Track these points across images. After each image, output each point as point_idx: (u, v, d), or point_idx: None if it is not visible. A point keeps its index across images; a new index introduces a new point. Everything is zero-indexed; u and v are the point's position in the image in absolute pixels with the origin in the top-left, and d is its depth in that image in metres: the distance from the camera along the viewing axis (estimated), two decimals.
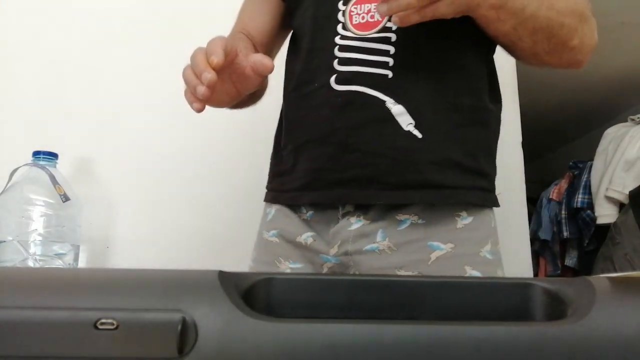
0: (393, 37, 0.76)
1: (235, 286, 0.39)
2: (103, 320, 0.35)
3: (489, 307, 0.43)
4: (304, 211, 0.82)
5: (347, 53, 0.77)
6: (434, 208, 0.76)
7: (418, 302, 0.44)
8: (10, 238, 1.02)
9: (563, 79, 2.98)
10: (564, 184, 3.00)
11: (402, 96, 0.75)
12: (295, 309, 0.43)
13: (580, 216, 2.78)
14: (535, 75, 2.77)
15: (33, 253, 1.02)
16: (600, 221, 2.58)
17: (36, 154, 1.11)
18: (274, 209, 0.87)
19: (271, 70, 0.70)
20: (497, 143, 0.85)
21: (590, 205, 2.68)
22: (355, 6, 0.78)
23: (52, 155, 1.12)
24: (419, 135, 0.74)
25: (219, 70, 0.65)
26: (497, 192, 0.86)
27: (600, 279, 0.42)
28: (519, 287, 0.44)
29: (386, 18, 0.76)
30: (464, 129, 0.77)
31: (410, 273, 0.73)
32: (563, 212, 2.90)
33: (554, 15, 0.72)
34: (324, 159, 0.78)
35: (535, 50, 0.75)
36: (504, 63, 1.67)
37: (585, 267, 2.72)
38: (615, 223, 2.51)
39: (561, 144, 3.99)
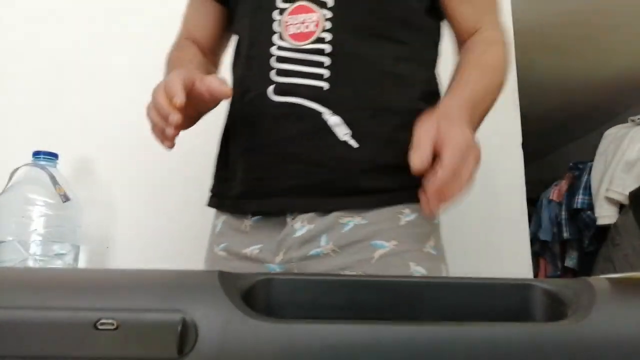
0: (327, 48, 0.78)
1: (235, 287, 0.39)
2: (103, 321, 0.35)
3: (489, 308, 0.43)
4: (250, 217, 0.83)
5: (284, 64, 0.79)
6: (376, 208, 0.78)
7: (418, 303, 0.44)
8: (10, 238, 1.02)
9: (563, 80, 2.98)
10: (564, 184, 3.00)
11: (338, 107, 0.77)
12: (295, 310, 0.43)
13: (581, 217, 2.77)
14: (535, 76, 2.78)
15: (33, 253, 1.02)
16: (600, 222, 2.59)
17: (36, 154, 1.11)
18: (220, 220, 0.88)
19: (229, 96, 0.72)
20: None
21: (591, 206, 2.69)
22: (291, 16, 0.80)
23: (52, 156, 1.12)
24: (356, 145, 0.77)
25: (183, 105, 0.68)
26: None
27: (600, 280, 0.42)
28: (519, 288, 0.44)
29: (320, 28, 0.78)
30: (401, 133, 0.79)
31: (354, 274, 0.74)
32: (563, 213, 2.90)
33: (497, 86, 0.82)
34: (265, 168, 0.80)
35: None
36: None
37: (586, 268, 2.72)
38: (615, 224, 2.51)
39: (561, 145, 3.99)
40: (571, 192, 2.90)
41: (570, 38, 2.51)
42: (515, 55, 1.60)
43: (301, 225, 0.78)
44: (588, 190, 2.74)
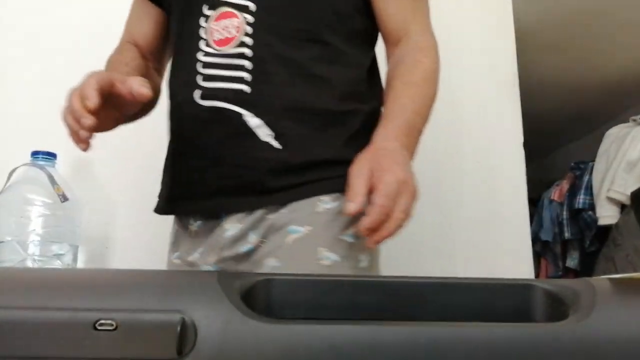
0: (248, 52, 0.80)
1: (234, 287, 0.39)
2: (102, 321, 0.35)
3: (490, 308, 0.43)
4: (192, 222, 0.86)
5: (209, 70, 0.81)
6: (298, 200, 0.81)
7: (419, 303, 0.44)
8: (9, 238, 1.02)
9: (564, 79, 2.98)
10: (565, 184, 2.99)
11: (259, 109, 0.79)
12: (295, 310, 0.43)
13: (582, 217, 2.77)
14: (536, 75, 2.77)
15: (31, 253, 1.02)
16: (601, 222, 2.58)
17: (35, 154, 1.11)
18: (174, 229, 0.91)
19: (148, 98, 0.73)
20: (369, 132, 0.83)
21: (592, 206, 2.68)
22: (215, 23, 0.82)
23: (51, 155, 1.12)
24: (278, 146, 0.79)
25: (97, 108, 0.69)
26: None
27: (601, 281, 0.42)
28: (520, 288, 0.44)
29: (241, 32, 0.80)
30: (322, 132, 0.82)
31: (274, 260, 0.77)
32: (564, 213, 2.90)
33: (430, 100, 0.82)
34: (193, 172, 0.82)
35: None
36: (504, 64, 1.67)
37: (587, 268, 2.72)
38: (616, 224, 2.51)
39: (562, 145, 3.99)
40: (572, 192, 2.90)
41: (570, 38, 2.50)
42: (515, 55, 1.60)
43: (231, 226, 0.80)
44: (589, 190, 2.74)
